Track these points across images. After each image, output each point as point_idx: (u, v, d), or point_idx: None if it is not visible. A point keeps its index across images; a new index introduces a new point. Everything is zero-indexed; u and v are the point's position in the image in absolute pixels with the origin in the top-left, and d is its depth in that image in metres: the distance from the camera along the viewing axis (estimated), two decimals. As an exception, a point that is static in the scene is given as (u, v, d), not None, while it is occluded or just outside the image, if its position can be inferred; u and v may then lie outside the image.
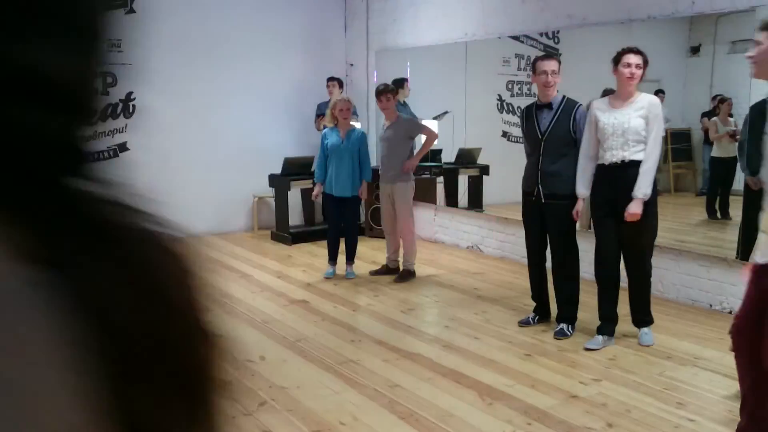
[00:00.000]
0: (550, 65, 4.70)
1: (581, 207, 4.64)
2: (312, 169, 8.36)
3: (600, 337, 4.62)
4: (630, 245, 4.52)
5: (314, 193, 6.50)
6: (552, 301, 5.07)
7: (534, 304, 5.15)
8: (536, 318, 5.09)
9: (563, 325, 4.84)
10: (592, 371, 4.17)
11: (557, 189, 4.73)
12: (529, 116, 4.89)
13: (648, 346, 4.56)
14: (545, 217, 4.85)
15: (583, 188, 4.58)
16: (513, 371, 4.17)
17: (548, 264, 5.00)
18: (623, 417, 3.55)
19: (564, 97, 4.80)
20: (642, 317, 4.66)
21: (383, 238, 6.91)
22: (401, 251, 6.49)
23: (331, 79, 8.63)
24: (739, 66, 5.07)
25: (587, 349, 4.55)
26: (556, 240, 4.86)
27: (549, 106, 4.77)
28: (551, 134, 4.74)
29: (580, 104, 4.78)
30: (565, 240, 4.83)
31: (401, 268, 6.49)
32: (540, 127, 4.78)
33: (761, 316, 2.86)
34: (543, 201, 4.79)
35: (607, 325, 4.64)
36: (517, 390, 3.88)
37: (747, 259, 4.84)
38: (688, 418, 3.52)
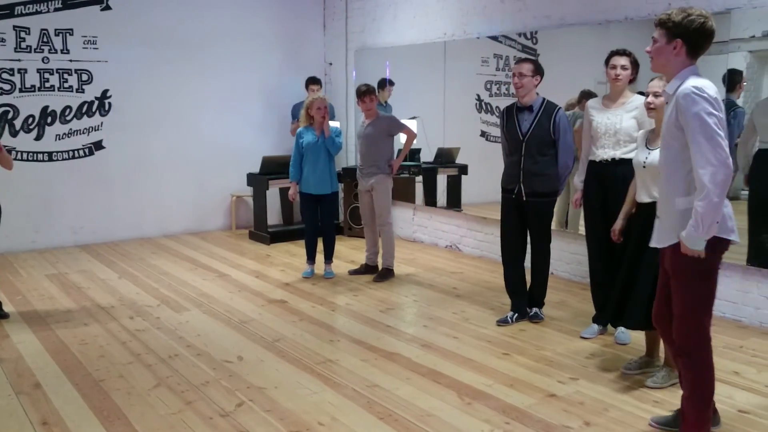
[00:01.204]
0: (519, 68, 4.88)
1: (580, 196, 4.82)
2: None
3: (595, 326, 4.81)
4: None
5: (290, 192, 6.47)
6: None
7: (510, 302, 5.23)
8: (515, 316, 5.13)
9: (536, 309, 5.15)
10: (569, 370, 4.19)
11: (539, 187, 4.93)
12: (510, 117, 5.03)
13: (625, 344, 4.60)
14: (526, 214, 5.02)
15: (579, 181, 4.80)
16: (491, 370, 4.18)
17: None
18: (600, 415, 3.57)
19: (544, 99, 4.96)
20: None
21: (362, 237, 6.90)
22: (380, 249, 6.48)
23: (313, 81, 8.55)
24: (715, 67, 5.14)
25: (583, 338, 4.75)
26: (536, 234, 5.08)
27: (530, 108, 4.92)
28: (532, 136, 4.90)
29: (560, 107, 4.97)
30: (544, 233, 5.08)
31: (380, 266, 6.49)
32: (521, 128, 4.94)
33: (669, 297, 3.15)
34: (525, 199, 4.95)
35: (602, 316, 4.76)
36: (496, 389, 3.89)
37: (755, 264, 5.02)
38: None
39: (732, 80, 5.20)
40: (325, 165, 6.31)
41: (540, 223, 5.05)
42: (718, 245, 2.96)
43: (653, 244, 3.17)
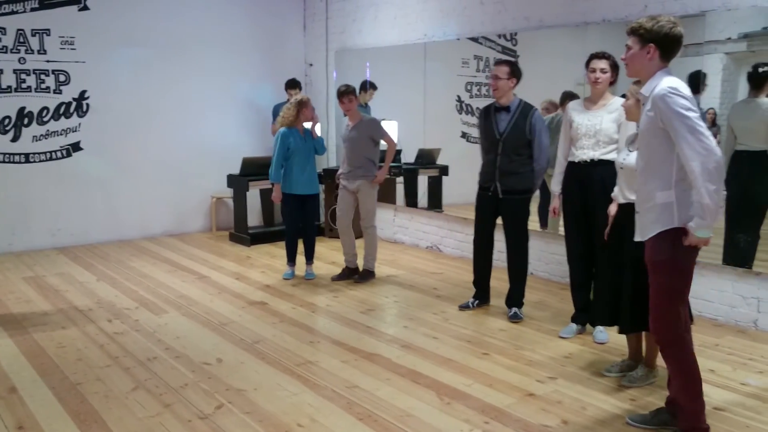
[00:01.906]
0: (495, 70, 5.06)
1: (558, 204, 4.84)
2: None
3: (574, 326, 4.86)
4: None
5: (275, 195, 6.36)
6: (493, 288, 5.53)
7: (474, 288, 5.52)
8: (476, 303, 5.45)
9: (516, 309, 5.23)
10: (548, 369, 4.22)
11: (514, 185, 5.09)
12: (488, 117, 5.17)
13: (602, 343, 4.64)
14: (501, 211, 5.19)
15: (557, 186, 4.81)
16: (471, 370, 4.20)
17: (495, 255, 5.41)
18: (578, 414, 3.60)
19: (521, 101, 5.10)
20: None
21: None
22: (362, 251, 6.45)
23: (293, 86, 8.52)
24: (689, 69, 5.19)
25: (561, 338, 4.78)
26: (511, 230, 5.21)
27: (507, 109, 5.07)
28: (509, 136, 5.04)
29: (536, 109, 5.11)
30: (519, 230, 5.20)
31: (360, 266, 6.48)
32: (498, 128, 5.08)
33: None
34: (500, 196, 5.11)
35: (581, 316, 4.82)
36: (475, 389, 3.91)
37: (730, 263, 5.09)
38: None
39: (698, 82, 5.26)
40: (313, 165, 6.37)
41: (516, 220, 5.17)
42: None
43: (636, 238, 3.26)
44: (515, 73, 5.04)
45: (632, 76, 3.29)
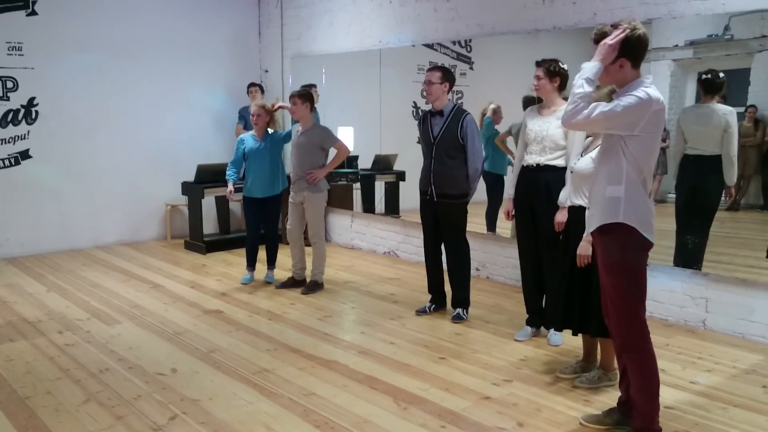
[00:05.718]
0: (429, 76, 5.14)
1: (510, 207, 4.91)
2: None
3: (528, 329, 4.91)
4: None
5: (229, 189, 6.30)
6: (449, 292, 5.49)
7: (429, 292, 5.57)
8: (432, 307, 5.49)
9: (459, 310, 5.30)
10: (503, 372, 4.26)
11: (448, 189, 5.16)
12: (425, 122, 5.29)
13: (557, 346, 4.70)
14: (438, 214, 5.25)
15: (510, 188, 4.88)
16: (427, 375, 4.21)
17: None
18: (533, 416, 3.64)
19: (455, 105, 5.22)
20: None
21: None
22: (309, 262, 6.36)
23: (252, 84, 8.55)
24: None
25: (517, 341, 4.84)
26: (448, 233, 5.28)
27: (441, 113, 5.17)
28: (442, 139, 5.14)
29: (468, 113, 5.18)
30: (455, 233, 5.26)
31: (308, 279, 6.37)
32: (432, 132, 5.18)
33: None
34: (435, 199, 5.18)
35: (535, 319, 4.88)
36: (432, 393, 3.92)
37: (680, 264, 5.20)
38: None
39: None
40: (269, 168, 6.27)
41: (451, 223, 5.23)
42: (638, 242, 3.08)
43: (586, 233, 3.28)
44: (447, 77, 5.13)
45: (605, 85, 3.27)
